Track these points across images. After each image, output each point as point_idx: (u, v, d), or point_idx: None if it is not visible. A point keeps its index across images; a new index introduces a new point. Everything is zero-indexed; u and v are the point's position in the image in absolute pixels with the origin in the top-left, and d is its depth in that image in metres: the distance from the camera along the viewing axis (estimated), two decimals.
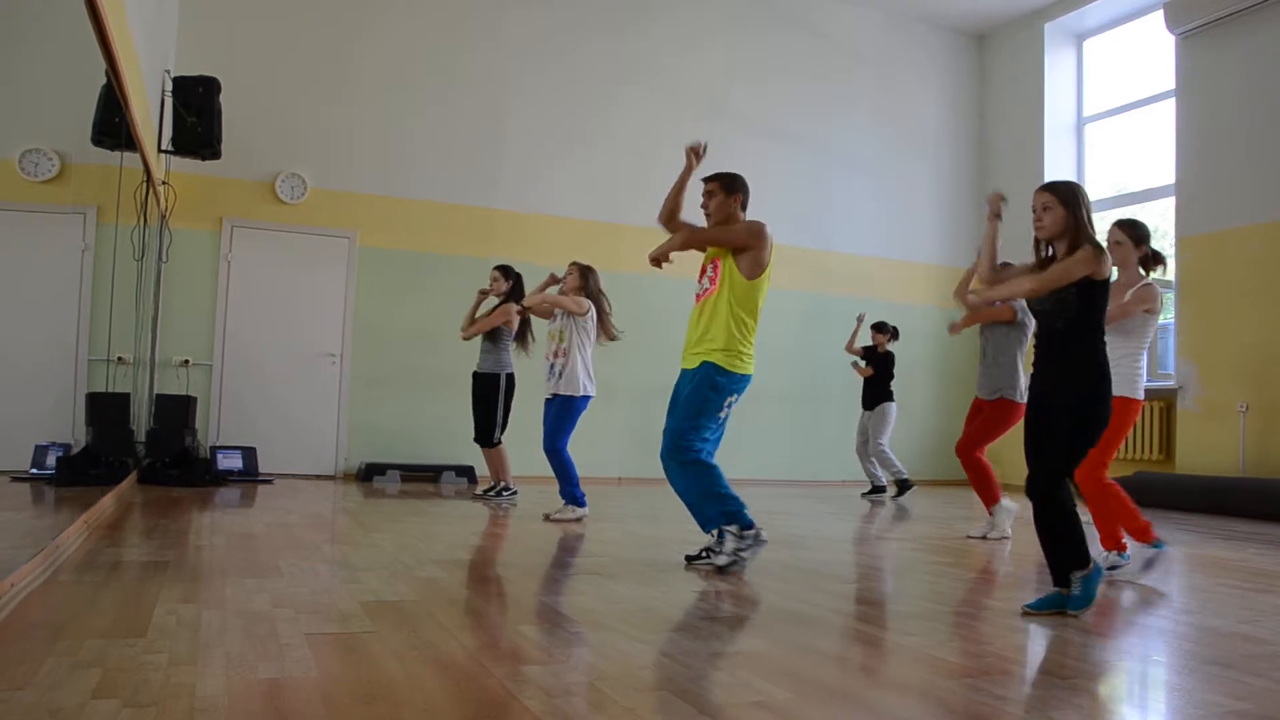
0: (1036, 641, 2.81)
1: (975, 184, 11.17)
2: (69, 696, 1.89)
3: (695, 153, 4.10)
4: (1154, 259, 3.98)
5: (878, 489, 8.23)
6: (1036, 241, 3.24)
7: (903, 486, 8.18)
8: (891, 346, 8.38)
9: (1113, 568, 3.95)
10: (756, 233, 3.87)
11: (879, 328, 8.37)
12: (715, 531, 3.81)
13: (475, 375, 6.73)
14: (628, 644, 2.60)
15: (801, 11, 10.32)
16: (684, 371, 4.00)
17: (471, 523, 5.45)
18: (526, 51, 9.16)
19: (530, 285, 6.58)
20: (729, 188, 4.07)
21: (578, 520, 5.51)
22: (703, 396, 3.84)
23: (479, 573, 3.91)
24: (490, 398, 6.60)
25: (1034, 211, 3.17)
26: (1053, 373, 3.14)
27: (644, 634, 2.72)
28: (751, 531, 3.78)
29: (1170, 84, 9.15)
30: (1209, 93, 8.66)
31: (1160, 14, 9.06)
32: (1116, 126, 10.13)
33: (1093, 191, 9.88)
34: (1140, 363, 3.97)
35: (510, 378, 6.63)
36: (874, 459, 8.25)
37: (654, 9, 9.68)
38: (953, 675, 2.36)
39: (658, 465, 4.00)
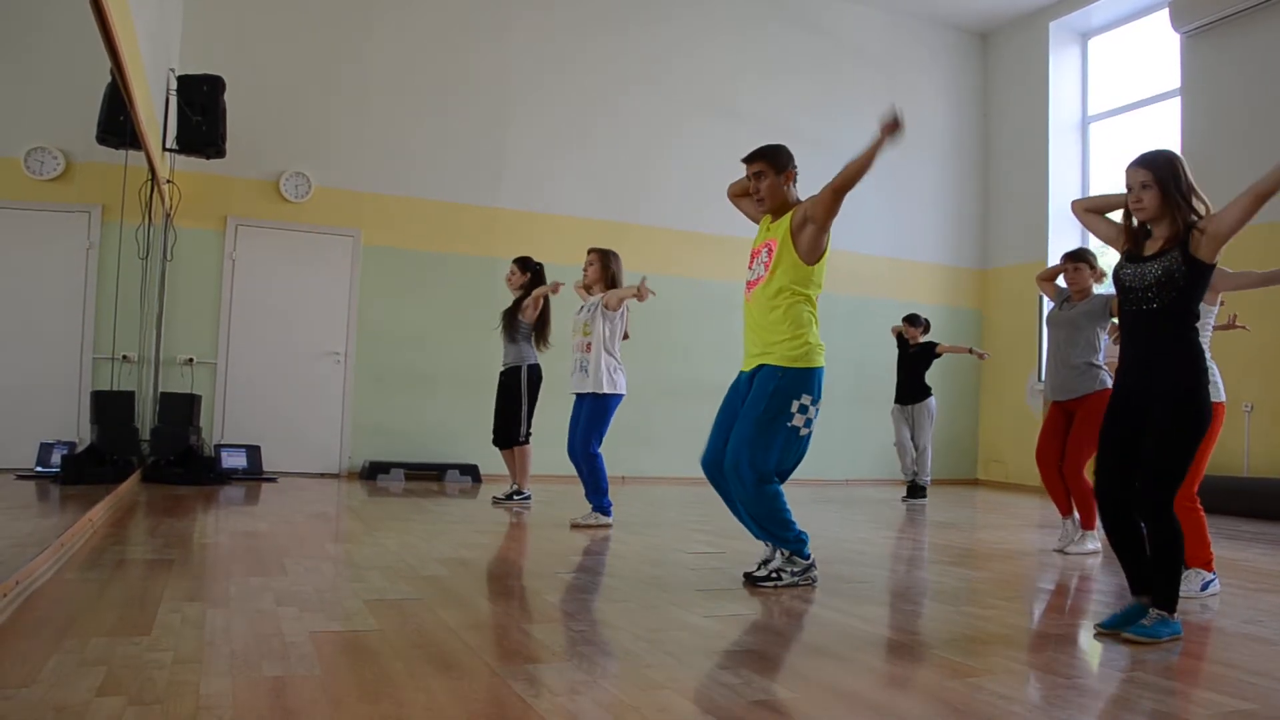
0: (1040, 641, 2.81)
1: (979, 183, 11.15)
2: (74, 694, 1.90)
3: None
4: None
5: (915, 490, 8.00)
6: (1127, 217, 3.04)
7: (917, 490, 7.95)
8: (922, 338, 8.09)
9: None
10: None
11: (911, 320, 8.12)
12: (784, 553, 3.56)
13: (500, 374, 6.44)
14: (632, 643, 2.60)
15: (806, 11, 10.31)
16: (739, 375, 3.65)
17: (476, 522, 5.45)
18: (532, 50, 9.16)
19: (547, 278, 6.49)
20: (778, 165, 3.64)
21: (601, 528, 5.24)
22: (760, 407, 3.42)
23: (483, 572, 3.91)
24: (513, 393, 6.30)
25: (1129, 190, 2.95)
26: (1146, 364, 2.88)
27: (648, 633, 2.72)
28: (806, 562, 3.56)
29: (1175, 83, 9.13)
30: (1214, 92, 8.64)
31: (1165, 13, 9.05)
32: (1121, 125, 10.11)
33: (1097, 191, 9.87)
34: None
35: (533, 369, 6.29)
36: (918, 457, 7.97)
37: (659, 8, 9.67)
38: (956, 675, 2.36)
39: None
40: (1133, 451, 2.88)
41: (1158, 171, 2.91)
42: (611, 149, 9.34)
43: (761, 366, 3.48)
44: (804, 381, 3.44)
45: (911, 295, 10.44)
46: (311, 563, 3.66)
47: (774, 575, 3.52)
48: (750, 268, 3.63)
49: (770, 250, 3.53)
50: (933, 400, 8.02)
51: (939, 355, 8.03)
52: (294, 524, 4.94)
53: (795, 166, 3.70)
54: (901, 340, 8.17)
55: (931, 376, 8.09)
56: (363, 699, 1.96)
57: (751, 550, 4.23)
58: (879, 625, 3.01)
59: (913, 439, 8.04)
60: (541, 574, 3.86)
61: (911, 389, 8.04)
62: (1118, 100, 10.15)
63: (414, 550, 4.10)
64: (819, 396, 3.48)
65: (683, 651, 2.52)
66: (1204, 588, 3.66)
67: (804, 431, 3.46)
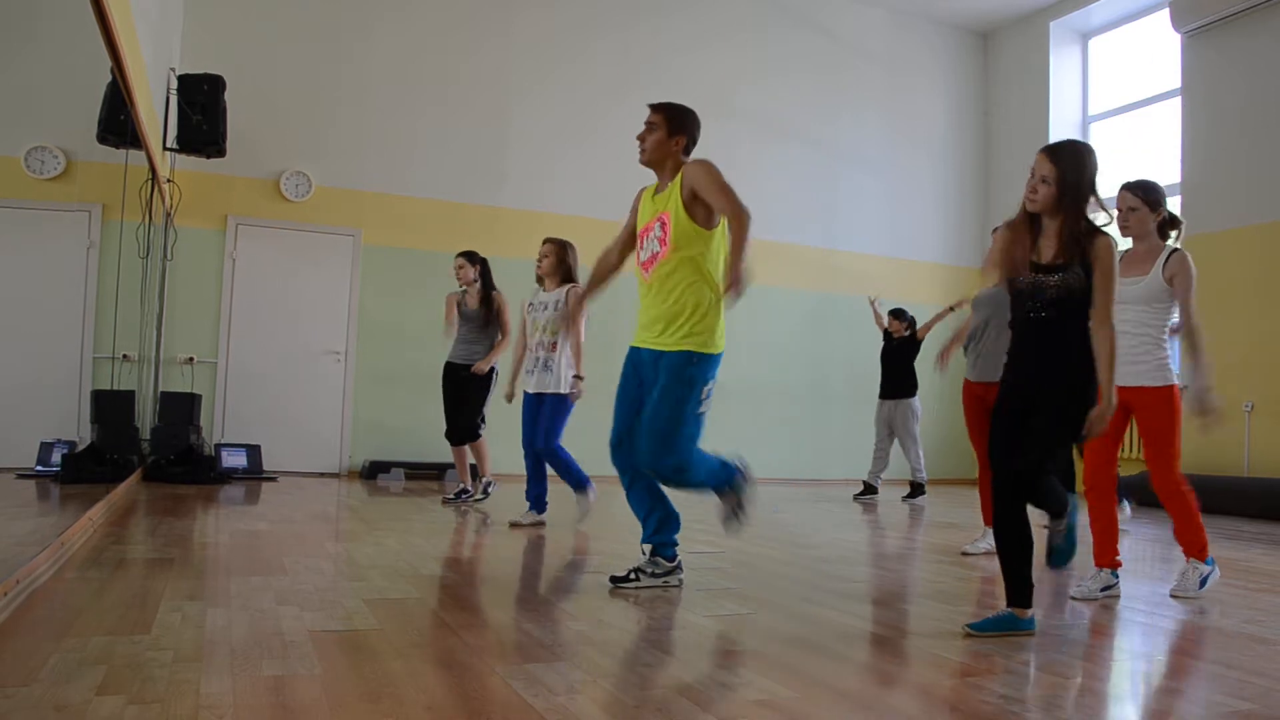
0: (1040, 640, 2.80)
1: (980, 183, 11.15)
2: (74, 693, 1.90)
3: None
4: (1171, 222, 3.66)
5: (871, 489, 8.00)
6: (1023, 213, 2.89)
7: (915, 490, 7.89)
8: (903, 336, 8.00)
9: (1106, 588, 3.54)
10: (716, 177, 3.26)
11: (896, 314, 8.07)
12: (645, 550, 3.48)
13: (452, 366, 6.25)
14: (631, 642, 2.61)
15: (808, 10, 10.31)
16: (636, 351, 3.43)
17: (475, 521, 5.45)
18: (533, 50, 9.16)
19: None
20: (674, 125, 3.47)
21: (590, 504, 5.24)
22: (677, 395, 3.26)
23: (483, 571, 3.91)
24: (479, 390, 6.15)
25: (1031, 174, 2.82)
26: (1035, 364, 2.83)
27: (648, 632, 2.72)
28: (670, 564, 3.47)
29: (1175, 83, 9.13)
30: (1214, 92, 8.64)
31: (1166, 13, 9.05)
32: (1122, 125, 10.11)
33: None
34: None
35: (493, 369, 6.20)
36: (906, 455, 7.92)
37: (661, 9, 9.67)
38: (956, 674, 2.36)
39: None
40: (1019, 445, 2.83)
41: (1060, 165, 2.77)
42: (613, 149, 9.31)
43: (664, 354, 3.30)
44: (712, 366, 3.32)
45: (911, 295, 10.42)
46: (312, 562, 3.66)
47: (632, 575, 3.41)
48: (642, 246, 3.45)
49: (664, 225, 3.33)
50: (915, 400, 7.92)
51: (921, 339, 7.95)
52: (294, 523, 4.94)
53: (691, 139, 3.50)
54: (886, 334, 8.10)
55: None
56: (363, 698, 1.96)
57: (752, 550, 4.22)
58: (878, 625, 3.01)
59: (899, 440, 7.96)
60: (541, 573, 3.86)
61: (892, 383, 7.97)
62: (1118, 100, 10.14)
63: (414, 549, 4.10)
64: (715, 383, 3.38)
65: (683, 651, 2.52)
66: (1203, 584, 3.51)
67: (704, 414, 3.35)
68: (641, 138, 3.49)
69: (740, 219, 3.17)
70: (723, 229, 3.31)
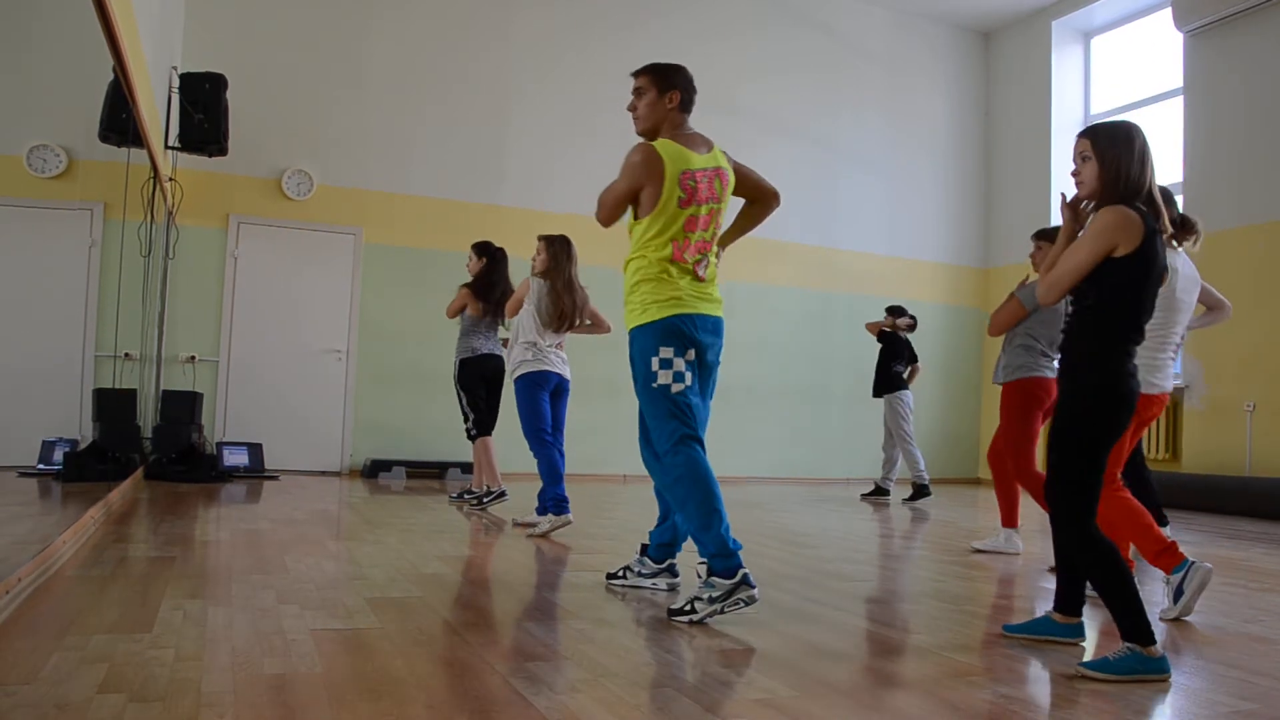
0: (1041, 640, 2.80)
1: (982, 182, 11.15)
2: (76, 691, 1.90)
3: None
4: (1184, 226, 3.22)
5: (881, 490, 8.00)
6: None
7: (919, 491, 7.72)
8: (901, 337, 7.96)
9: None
10: (632, 166, 3.19)
11: (895, 311, 8.01)
12: (704, 567, 2.87)
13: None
14: (632, 641, 2.61)
15: (809, 10, 10.31)
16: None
17: (476, 520, 5.45)
18: (534, 49, 9.16)
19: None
20: (663, 84, 3.23)
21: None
22: (636, 378, 3.08)
23: (483, 569, 3.91)
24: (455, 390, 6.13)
25: (1074, 162, 2.57)
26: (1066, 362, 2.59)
27: (648, 631, 2.72)
28: (729, 582, 2.81)
29: (1178, 82, 9.13)
30: (1216, 91, 8.64)
31: (1168, 12, 9.05)
32: None
33: None
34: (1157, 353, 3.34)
35: (462, 364, 6.06)
36: (900, 453, 7.81)
37: (661, 9, 9.67)
38: (957, 674, 2.36)
39: None
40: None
41: (1097, 139, 2.47)
42: (614, 147, 9.29)
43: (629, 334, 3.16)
44: (653, 336, 3.02)
45: (913, 294, 10.44)
46: (313, 560, 3.67)
47: (688, 606, 2.82)
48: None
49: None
50: (894, 395, 7.74)
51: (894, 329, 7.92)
52: (295, 522, 4.94)
53: (685, 93, 3.28)
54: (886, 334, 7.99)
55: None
56: (364, 696, 1.97)
57: (752, 549, 4.22)
58: (880, 624, 3.01)
59: (895, 437, 7.84)
60: (542, 572, 3.86)
61: (875, 381, 7.91)
62: (1120, 99, 10.14)
63: (415, 548, 4.11)
64: (681, 349, 3.01)
65: (683, 650, 2.52)
66: (1177, 597, 3.09)
67: (676, 387, 2.98)
68: (633, 106, 3.34)
69: None
70: (665, 206, 3.17)
